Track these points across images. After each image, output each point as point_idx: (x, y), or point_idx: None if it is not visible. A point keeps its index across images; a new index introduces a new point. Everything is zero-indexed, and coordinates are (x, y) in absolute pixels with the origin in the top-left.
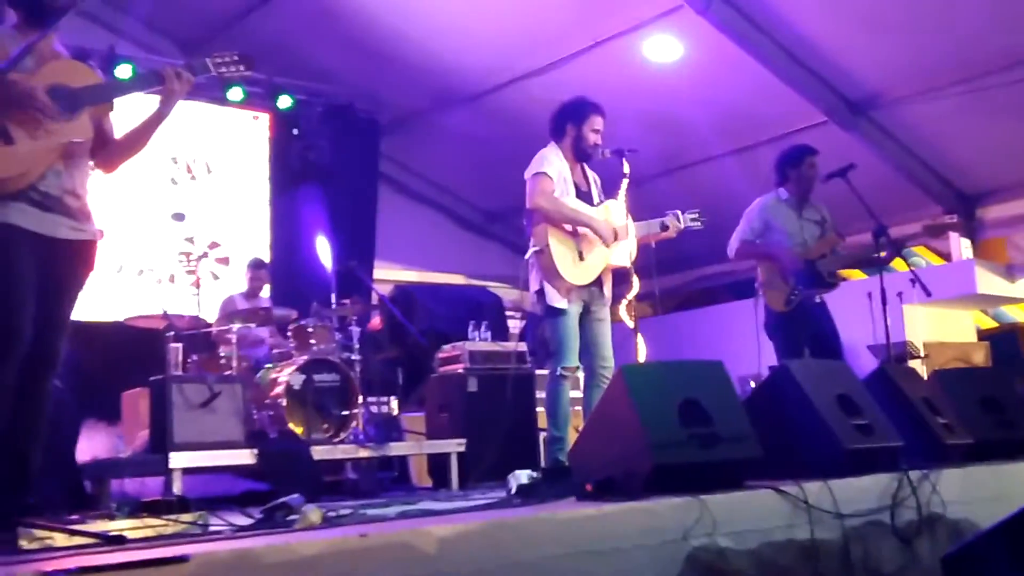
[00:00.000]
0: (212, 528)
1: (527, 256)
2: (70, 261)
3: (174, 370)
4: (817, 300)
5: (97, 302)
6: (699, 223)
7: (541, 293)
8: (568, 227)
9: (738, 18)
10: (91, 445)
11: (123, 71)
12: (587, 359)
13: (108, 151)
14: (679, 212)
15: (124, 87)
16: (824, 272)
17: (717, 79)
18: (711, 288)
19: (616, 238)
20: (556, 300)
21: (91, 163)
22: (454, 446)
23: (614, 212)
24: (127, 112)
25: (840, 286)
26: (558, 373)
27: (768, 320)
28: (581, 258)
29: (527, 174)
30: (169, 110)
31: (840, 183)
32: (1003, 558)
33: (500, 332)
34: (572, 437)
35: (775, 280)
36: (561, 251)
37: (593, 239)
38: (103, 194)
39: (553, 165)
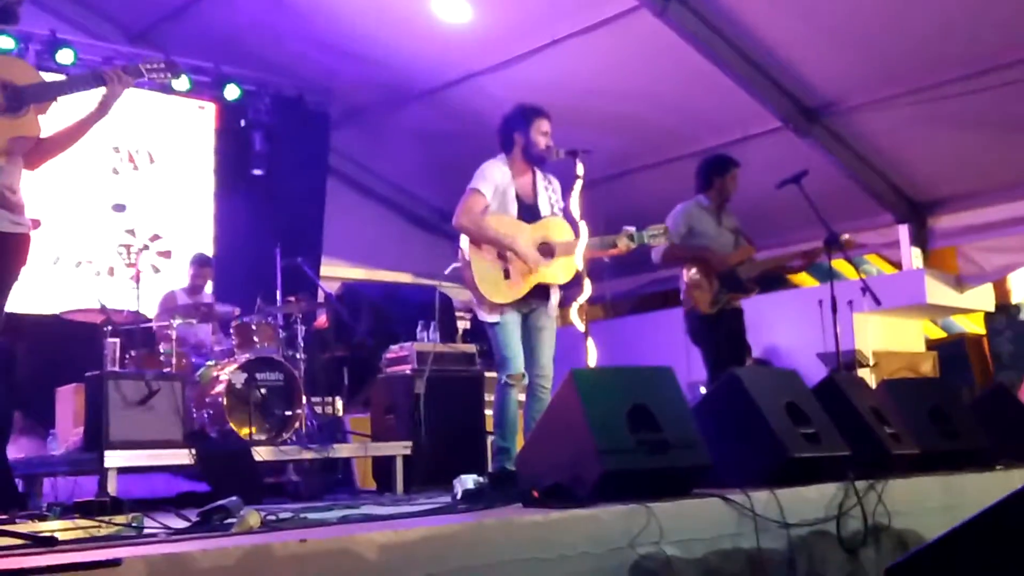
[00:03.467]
0: (147, 531)
1: (447, 271)
2: (7, 254)
3: (111, 366)
4: (735, 306)
5: (32, 294)
6: (661, 239)
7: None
8: (493, 247)
9: (695, 21)
10: (23, 442)
11: (64, 56)
12: (527, 368)
13: (36, 149)
14: (633, 230)
15: (66, 86)
16: (743, 278)
17: (673, 82)
18: (663, 292)
19: (552, 255)
20: (486, 315)
21: None
22: (400, 449)
23: (555, 228)
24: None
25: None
26: (503, 382)
27: (693, 324)
28: (507, 276)
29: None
30: (106, 112)
31: (792, 189)
32: (948, 570)
33: (449, 333)
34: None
35: (702, 282)
36: (484, 269)
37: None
38: (41, 182)
39: (490, 180)
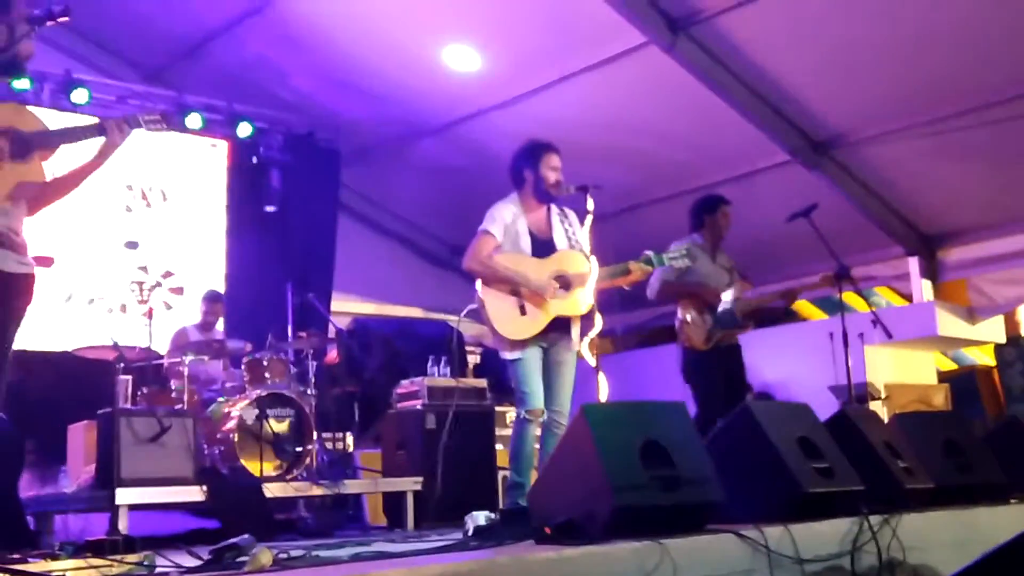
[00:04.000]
0: (159, 569)
1: (462, 314)
2: (14, 294)
3: (123, 403)
4: (732, 343)
5: (45, 331)
6: (684, 260)
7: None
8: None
9: (703, 56)
10: (34, 479)
11: (79, 95)
12: (544, 403)
13: (39, 194)
14: (652, 253)
15: (68, 135)
16: (738, 315)
17: (682, 116)
18: (673, 325)
19: (570, 287)
20: (505, 352)
21: None
22: (410, 484)
23: (569, 260)
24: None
25: (804, 325)
26: (522, 416)
27: (687, 361)
28: (523, 312)
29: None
30: (103, 160)
31: (802, 222)
32: None
33: (460, 367)
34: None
35: (696, 318)
36: (498, 307)
37: (537, 295)
38: (55, 220)
39: (499, 221)
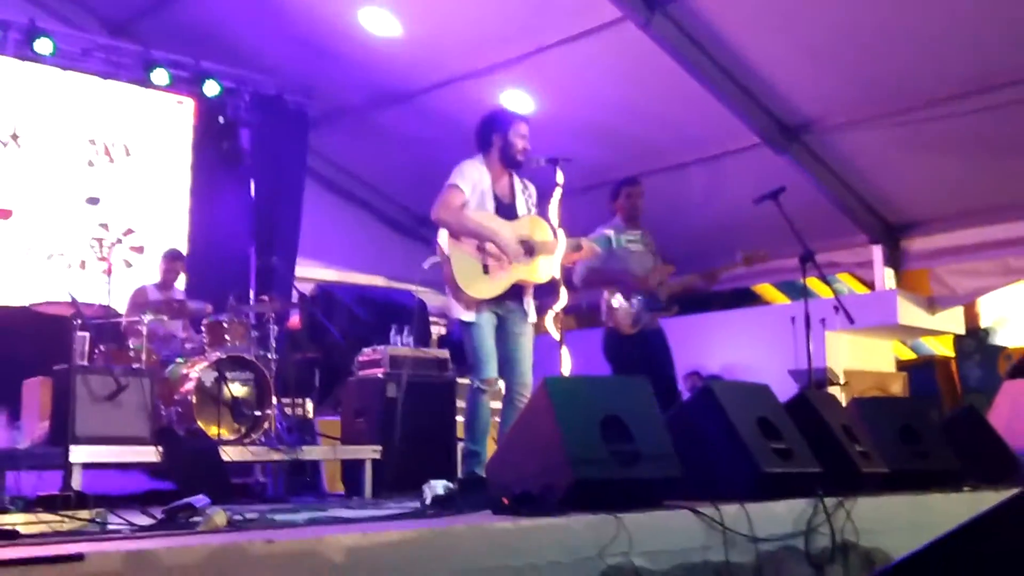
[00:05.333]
0: (110, 527)
1: (425, 265)
2: None
3: (80, 360)
4: (656, 327)
5: (2, 285)
6: (638, 244)
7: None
8: (473, 240)
9: (679, 35)
10: None
11: (43, 45)
12: (505, 376)
13: None
14: (611, 232)
15: None
16: (662, 299)
17: (655, 94)
18: None
19: (533, 253)
20: (461, 313)
21: None
22: (369, 452)
23: (537, 227)
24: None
25: (767, 309)
26: (476, 386)
27: (610, 344)
28: (486, 271)
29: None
30: None
31: (769, 205)
32: None
33: (423, 338)
34: (492, 451)
35: (623, 303)
36: (463, 264)
37: (502, 255)
38: (13, 172)
39: (468, 177)
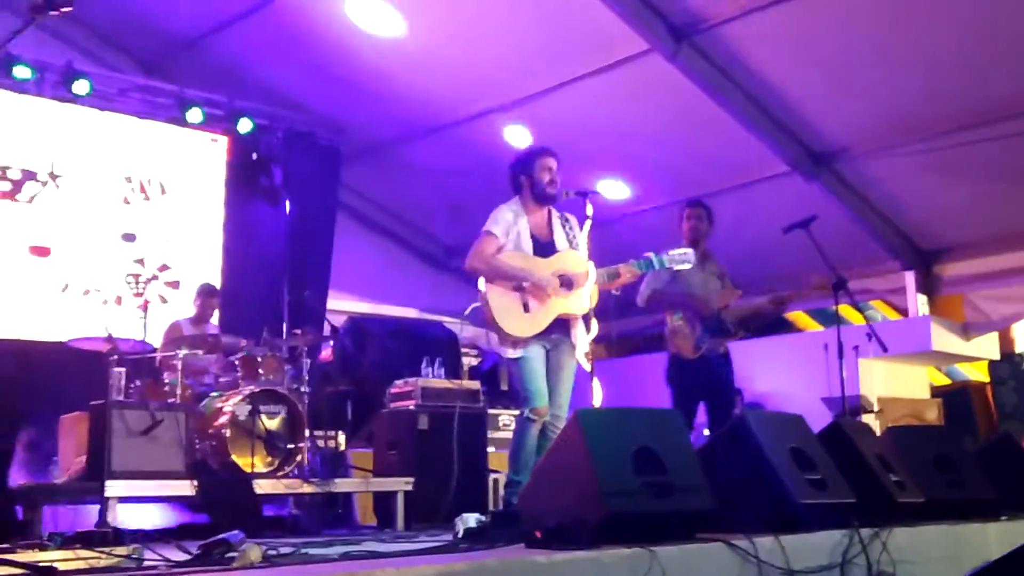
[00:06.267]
0: (147, 563)
1: (465, 313)
2: None
3: (116, 395)
4: (721, 351)
5: (40, 321)
6: (686, 263)
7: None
8: (510, 282)
9: (706, 65)
10: (26, 469)
11: (80, 87)
12: None
13: None
14: (653, 255)
15: None
16: (728, 323)
17: (683, 125)
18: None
19: (571, 286)
20: (508, 351)
21: None
22: (401, 484)
23: (571, 260)
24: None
25: (800, 336)
26: (525, 415)
27: (671, 368)
28: (527, 309)
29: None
30: None
31: (799, 234)
32: None
33: (454, 369)
34: None
35: (683, 328)
36: (502, 304)
37: (539, 292)
38: (51, 210)
39: (501, 221)
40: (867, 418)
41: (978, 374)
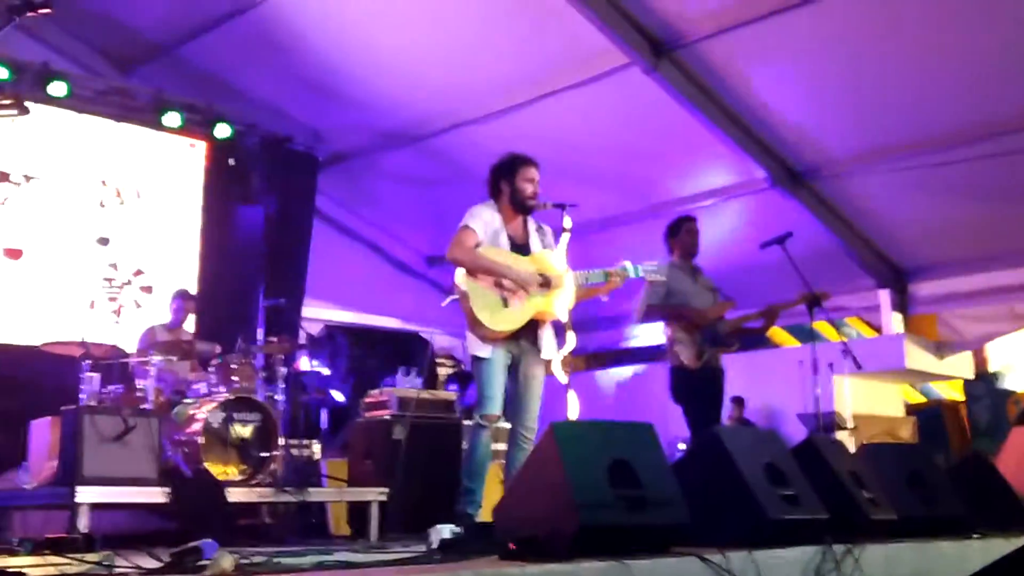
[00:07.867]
0: (118, 569)
1: (443, 303)
2: None
3: (88, 400)
4: (717, 364)
5: (12, 325)
6: (658, 275)
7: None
8: (490, 277)
9: (684, 81)
10: None
11: (57, 88)
12: (511, 417)
13: None
14: (629, 263)
15: None
16: (723, 333)
17: (661, 138)
18: (645, 347)
19: (549, 285)
20: (477, 347)
21: None
22: (376, 495)
23: (550, 261)
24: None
25: (776, 351)
26: (476, 421)
27: (677, 381)
28: (506, 304)
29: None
30: None
31: (776, 250)
32: None
33: (430, 379)
34: (494, 490)
35: (685, 337)
36: (482, 298)
37: (519, 288)
38: (25, 212)
39: (480, 218)
40: (841, 435)
41: (952, 392)
